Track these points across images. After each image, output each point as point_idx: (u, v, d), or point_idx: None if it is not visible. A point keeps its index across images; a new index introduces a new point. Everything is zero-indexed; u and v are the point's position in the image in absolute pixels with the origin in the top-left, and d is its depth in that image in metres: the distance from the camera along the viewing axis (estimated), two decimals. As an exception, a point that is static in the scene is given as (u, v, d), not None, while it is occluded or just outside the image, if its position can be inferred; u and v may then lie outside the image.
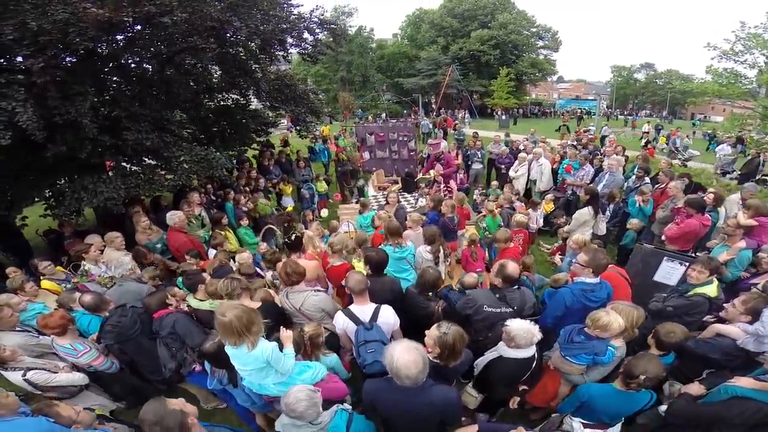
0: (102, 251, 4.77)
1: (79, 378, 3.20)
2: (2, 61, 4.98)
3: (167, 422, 1.84)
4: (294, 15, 7.61)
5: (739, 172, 11.71)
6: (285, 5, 7.53)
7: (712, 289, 3.39)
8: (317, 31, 8.26)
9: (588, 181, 7.42)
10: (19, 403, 2.48)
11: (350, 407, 2.42)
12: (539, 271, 5.61)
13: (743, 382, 2.56)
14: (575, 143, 10.47)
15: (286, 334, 2.63)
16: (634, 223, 5.78)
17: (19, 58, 4.88)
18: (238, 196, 7.07)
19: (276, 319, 3.14)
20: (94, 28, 4.55)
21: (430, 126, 21.05)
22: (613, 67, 59.96)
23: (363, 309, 2.97)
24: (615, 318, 2.66)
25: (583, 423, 2.59)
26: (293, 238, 4.39)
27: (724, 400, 2.58)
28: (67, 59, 5.18)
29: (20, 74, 4.60)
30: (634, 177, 6.97)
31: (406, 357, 2.00)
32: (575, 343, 2.86)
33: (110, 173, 6.05)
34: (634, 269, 4.51)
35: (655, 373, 2.36)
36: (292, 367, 2.52)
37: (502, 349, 2.70)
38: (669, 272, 4.29)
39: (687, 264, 4.01)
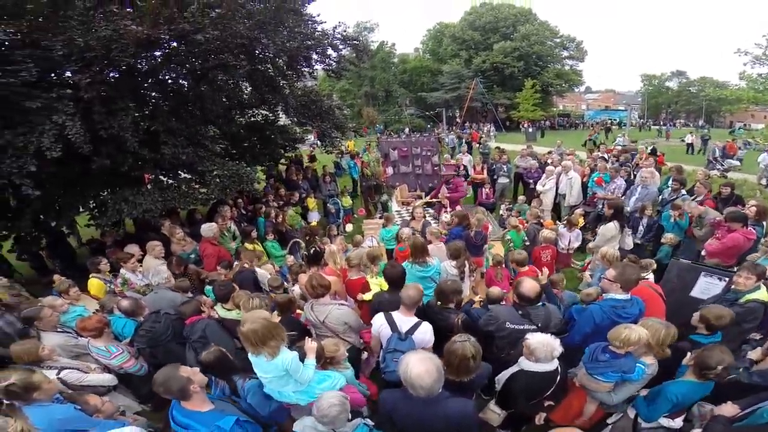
0: (140, 260, 5.01)
1: (108, 379, 3.35)
2: (53, 75, 5.31)
3: (170, 384, 2.13)
4: (318, 32, 7.82)
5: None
6: (309, 22, 7.76)
7: (763, 294, 3.36)
8: (341, 47, 8.46)
9: (620, 195, 7.16)
10: (57, 391, 2.67)
11: (372, 423, 2.43)
12: (569, 287, 5.46)
13: None
14: (606, 155, 10.18)
15: (310, 345, 2.69)
16: (669, 237, 5.56)
17: (68, 74, 5.22)
18: (268, 210, 7.28)
19: (301, 331, 3.21)
20: (134, 45, 4.85)
21: (456, 140, 20.77)
22: (642, 75, 58.04)
23: (404, 319, 3.01)
24: (635, 330, 2.62)
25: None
26: (312, 252, 4.48)
27: (766, 423, 2.47)
28: (111, 75, 5.48)
29: (68, 89, 4.91)
30: (669, 189, 6.71)
31: (420, 367, 2.00)
32: (600, 362, 2.80)
33: (149, 186, 6.36)
34: (670, 285, 4.32)
35: (729, 362, 2.51)
36: (312, 376, 2.58)
37: (523, 363, 2.69)
38: (707, 288, 4.10)
39: (726, 279, 3.89)
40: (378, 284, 3.88)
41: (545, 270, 4.07)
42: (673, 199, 6.09)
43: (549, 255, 5.41)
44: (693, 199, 6.07)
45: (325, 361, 2.88)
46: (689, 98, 52.33)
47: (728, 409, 2.65)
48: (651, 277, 4.40)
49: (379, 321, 3.07)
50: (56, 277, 4.99)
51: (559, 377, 2.68)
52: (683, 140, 27.74)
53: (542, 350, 2.53)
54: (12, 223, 5.85)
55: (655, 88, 56.31)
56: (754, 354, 3.07)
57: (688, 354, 2.86)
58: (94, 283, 4.76)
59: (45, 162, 4.61)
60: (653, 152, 14.47)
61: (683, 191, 6.47)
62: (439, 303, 3.44)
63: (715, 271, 4.13)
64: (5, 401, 2.33)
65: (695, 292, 4.15)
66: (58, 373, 3.07)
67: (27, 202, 5.59)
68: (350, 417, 2.27)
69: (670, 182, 6.95)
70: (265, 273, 4.89)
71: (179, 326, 3.40)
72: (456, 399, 2.20)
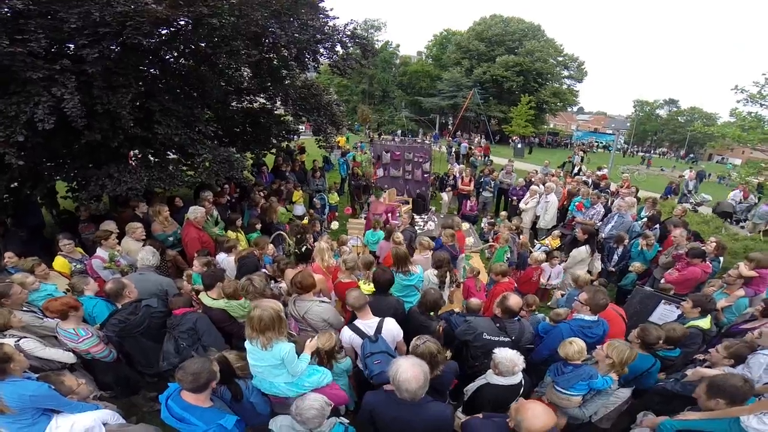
0: (117, 238, 4.93)
1: (66, 356, 3.24)
2: (59, 47, 5.08)
3: (202, 376, 2.20)
4: (329, 26, 7.73)
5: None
6: (321, 16, 7.64)
7: (705, 322, 3.88)
8: (349, 44, 8.41)
9: (598, 221, 7.46)
10: (27, 364, 2.62)
11: (347, 421, 2.54)
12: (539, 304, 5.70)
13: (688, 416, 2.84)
14: (588, 180, 10.53)
15: (311, 343, 2.80)
16: (636, 265, 5.94)
17: (72, 46, 5.03)
18: (258, 199, 7.25)
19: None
20: (150, 24, 4.74)
21: (465, 148, 19.79)
22: (635, 101, 59.77)
23: (367, 323, 3.11)
24: (575, 343, 2.95)
25: None
26: (303, 250, 4.54)
27: None
28: (116, 50, 5.32)
29: (71, 59, 4.74)
30: (641, 223, 7.02)
31: (409, 372, 2.14)
32: (567, 374, 2.99)
33: (133, 163, 6.19)
34: (632, 309, 4.72)
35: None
36: (304, 369, 2.68)
37: (489, 376, 2.87)
38: (665, 314, 4.48)
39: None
40: (369, 290, 3.95)
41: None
42: (643, 233, 6.42)
43: (538, 275, 5.67)
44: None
45: (323, 357, 2.98)
46: (675, 127, 54.15)
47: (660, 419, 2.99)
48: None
49: (346, 334, 3.15)
50: (7, 254, 4.51)
51: (522, 389, 2.87)
52: (663, 169, 28.79)
53: (505, 365, 2.72)
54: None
55: (645, 114, 57.96)
56: (690, 372, 3.34)
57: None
58: (59, 261, 4.62)
59: (34, 132, 4.51)
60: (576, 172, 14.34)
61: (655, 226, 6.80)
62: (431, 313, 3.57)
63: (674, 300, 4.52)
64: None
65: (654, 317, 4.51)
66: (18, 341, 3.00)
67: (6, 169, 5.41)
68: (327, 416, 2.37)
69: (643, 212, 7.27)
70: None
71: (157, 321, 3.34)
72: (436, 403, 2.36)
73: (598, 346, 3.15)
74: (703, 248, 5.30)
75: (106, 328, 3.32)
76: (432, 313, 3.56)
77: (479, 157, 17.08)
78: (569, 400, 2.98)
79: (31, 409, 2.40)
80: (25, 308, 3.50)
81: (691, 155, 47.71)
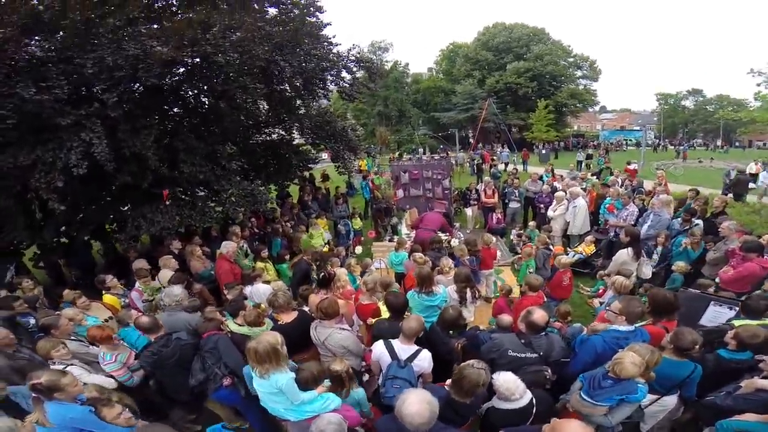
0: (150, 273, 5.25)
1: (107, 382, 3.45)
2: (82, 91, 5.47)
3: None
4: (333, 53, 7.95)
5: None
6: (325, 44, 7.88)
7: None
8: (354, 69, 8.61)
9: (632, 222, 7.07)
10: (80, 392, 2.79)
11: None
12: (577, 314, 5.43)
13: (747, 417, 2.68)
14: (619, 180, 10.11)
15: (322, 387, 2.82)
16: (680, 265, 5.48)
17: (95, 89, 5.33)
18: (286, 230, 7.49)
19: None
20: (159, 65, 5.05)
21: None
22: (658, 94, 57.48)
23: (404, 347, 3.08)
24: (637, 365, 2.64)
25: None
26: (320, 276, 4.60)
27: None
28: (136, 90, 5.68)
29: (97, 103, 5.06)
30: (680, 219, 6.62)
31: (415, 407, 2.06)
32: (604, 388, 2.79)
33: (167, 203, 6.45)
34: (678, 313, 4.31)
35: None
36: (306, 399, 2.71)
37: (494, 400, 2.73)
38: (716, 316, 4.11)
39: (737, 308, 3.89)
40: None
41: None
42: (685, 230, 6.06)
43: (568, 279, 5.46)
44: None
45: (336, 383, 2.95)
46: (706, 117, 51.52)
47: None
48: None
49: (378, 348, 3.13)
50: (66, 292, 4.91)
51: (535, 410, 2.68)
52: (701, 161, 27.18)
53: (503, 389, 2.58)
54: (35, 233, 6.06)
55: (670, 107, 55.63)
56: (744, 383, 3.01)
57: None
58: (108, 298, 4.92)
59: (71, 178, 4.81)
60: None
61: (696, 221, 6.41)
62: (450, 331, 3.50)
63: (726, 301, 4.15)
64: (33, 394, 2.59)
65: (704, 320, 4.16)
66: (65, 368, 3.22)
67: (51, 214, 5.80)
68: None
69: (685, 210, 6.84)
70: (268, 288, 4.94)
71: (188, 353, 3.51)
72: (448, 429, 2.26)
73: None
74: (760, 242, 4.83)
75: (141, 359, 3.56)
76: (451, 332, 3.48)
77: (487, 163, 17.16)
78: (594, 408, 2.81)
79: (69, 428, 2.62)
80: (73, 337, 3.86)
81: (737, 143, 44.96)
